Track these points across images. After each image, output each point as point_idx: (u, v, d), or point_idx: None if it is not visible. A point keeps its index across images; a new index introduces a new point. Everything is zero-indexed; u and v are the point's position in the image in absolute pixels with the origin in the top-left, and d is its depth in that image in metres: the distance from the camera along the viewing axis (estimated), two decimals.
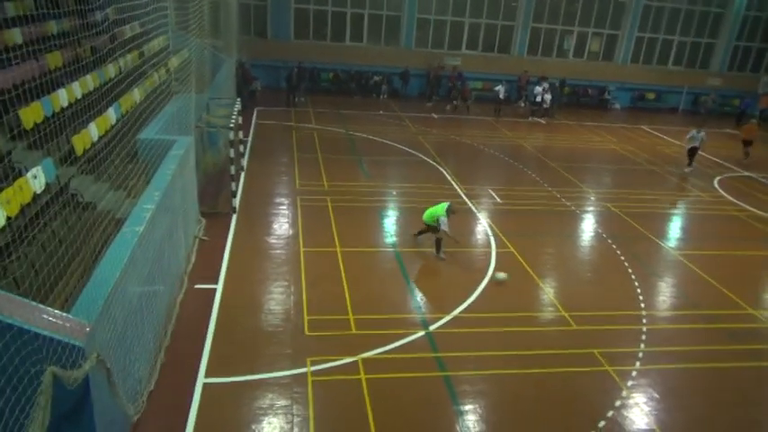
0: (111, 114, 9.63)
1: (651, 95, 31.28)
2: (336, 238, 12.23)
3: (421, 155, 18.90)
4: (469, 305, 10.14)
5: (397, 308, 9.89)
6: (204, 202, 12.70)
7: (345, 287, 10.32)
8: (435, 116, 25.03)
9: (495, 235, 13.16)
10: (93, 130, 8.76)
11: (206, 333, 8.60)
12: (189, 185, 10.98)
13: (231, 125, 12.97)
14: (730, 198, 17.43)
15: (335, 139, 20.14)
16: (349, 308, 9.65)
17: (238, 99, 16.16)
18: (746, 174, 20.30)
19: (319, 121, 22.34)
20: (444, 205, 11.69)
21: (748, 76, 31.85)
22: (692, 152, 19.42)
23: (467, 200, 14.82)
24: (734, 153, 22.84)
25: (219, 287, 9.93)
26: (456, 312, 9.86)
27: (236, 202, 13.30)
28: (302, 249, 11.62)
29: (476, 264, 11.84)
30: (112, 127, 9.54)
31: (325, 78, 28.24)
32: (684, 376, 8.83)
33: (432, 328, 9.35)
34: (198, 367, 7.82)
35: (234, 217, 12.84)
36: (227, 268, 10.62)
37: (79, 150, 8.20)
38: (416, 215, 13.90)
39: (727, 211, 16.44)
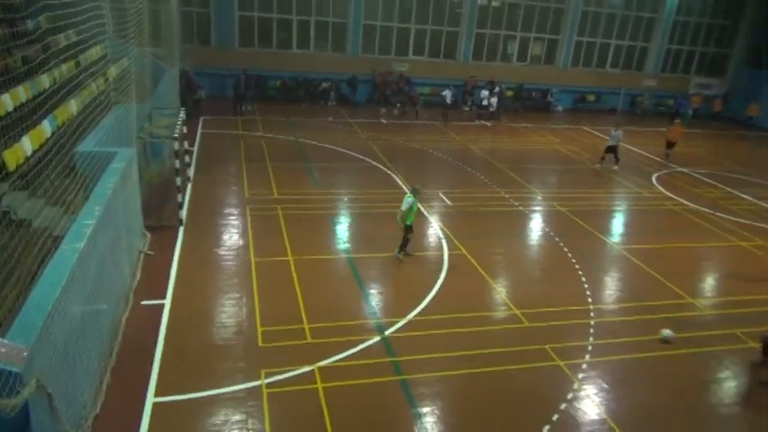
0: (46, 127, 9.20)
1: (591, 97, 32.44)
2: (288, 247, 12.09)
3: (371, 160, 18.95)
4: (424, 308, 10.21)
5: (353, 314, 9.85)
6: (149, 216, 12.31)
7: (299, 296, 10.21)
8: (384, 122, 25.18)
9: (446, 237, 13.31)
10: (27, 144, 8.33)
11: (154, 351, 8.31)
12: (132, 198, 10.62)
13: (175, 135, 12.64)
14: (667, 193, 18.26)
15: (284, 147, 19.95)
16: (303, 317, 9.55)
17: (182, 108, 15.78)
18: (681, 169, 21.32)
19: (267, 130, 22.07)
20: (407, 198, 11.76)
21: (680, 77, 33.51)
22: (611, 150, 20.10)
23: (418, 204, 14.93)
24: (659, 147, 23.93)
25: (167, 302, 9.63)
26: (411, 316, 9.91)
27: (183, 213, 12.96)
28: (253, 260, 11.43)
29: (429, 267, 11.94)
30: (48, 140, 9.11)
31: (273, 86, 27.94)
32: (631, 366, 9.17)
33: (387, 332, 9.35)
34: (147, 387, 7.55)
35: (181, 229, 12.50)
36: (175, 282, 10.32)
37: (11, 165, 7.79)
38: (368, 221, 13.97)
39: (665, 205, 17.21)
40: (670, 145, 21.98)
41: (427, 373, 8.43)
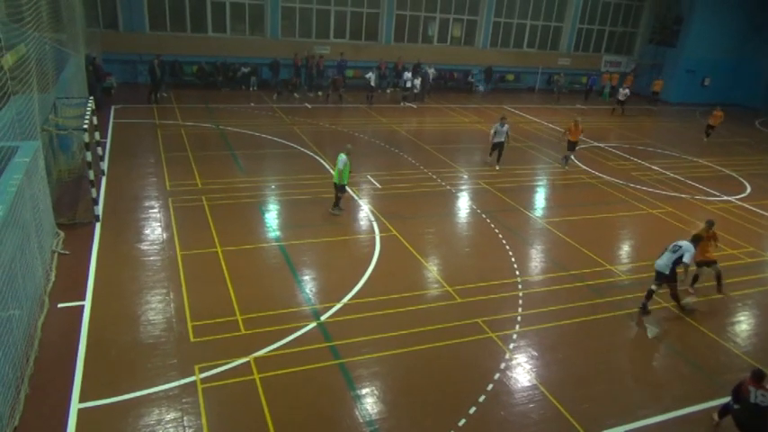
0: None
1: (511, 77, 33.43)
2: (216, 238, 11.71)
3: (297, 146, 18.65)
4: (358, 291, 10.23)
5: (287, 302, 9.71)
6: (61, 213, 11.53)
7: (230, 287, 9.93)
8: (309, 106, 24.80)
9: (377, 220, 13.36)
10: None
11: (76, 355, 7.84)
12: (40, 195, 9.88)
13: (84, 126, 11.84)
14: (584, 167, 19.20)
15: (206, 136, 19.22)
16: (236, 308, 9.31)
17: (91, 98, 14.79)
18: (596, 144, 22.45)
19: (186, 118, 21.16)
20: (341, 157, 13.05)
21: (592, 56, 35.14)
22: (497, 146, 17.89)
23: (348, 189, 14.88)
24: (583, 126, 25.11)
25: (87, 304, 9.09)
26: (346, 299, 9.90)
27: (99, 209, 12.22)
28: (179, 253, 10.98)
29: (361, 250, 11.96)
30: None
31: (189, 72, 26.78)
32: (558, 332, 9.62)
33: (323, 318, 9.30)
34: (70, 393, 7.12)
35: (97, 226, 11.79)
36: (95, 282, 9.75)
37: None
38: (298, 206, 13.77)
39: (583, 179, 18.09)
40: (572, 146, 19.21)
41: (365, 355, 8.47)
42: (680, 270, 10.27)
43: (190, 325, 8.77)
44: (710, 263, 11.37)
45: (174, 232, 11.84)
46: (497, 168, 17.98)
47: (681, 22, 33.31)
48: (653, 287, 10.37)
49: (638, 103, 32.44)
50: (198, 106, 23.07)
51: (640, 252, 13.27)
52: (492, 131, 17.93)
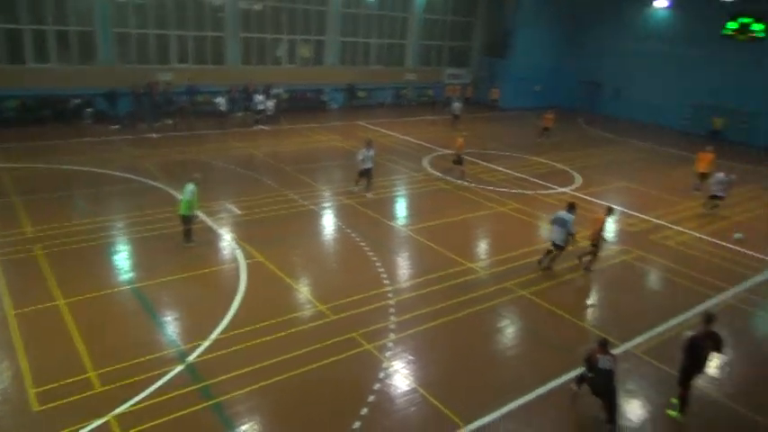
0: None
1: (362, 93, 34.34)
2: (57, 290, 10.48)
3: (146, 179, 17.41)
4: (228, 324, 9.75)
5: (148, 348, 8.96)
6: None
7: (79, 342, 8.93)
8: (155, 136, 23.33)
9: (240, 247, 12.89)
10: None
11: None
12: None
13: None
14: (438, 174, 20.23)
15: (36, 177, 17.20)
16: (88, 364, 8.39)
17: None
18: (446, 151, 23.77)
19: (8, 159, 18.77)
20: (188, 187, 12.46)
21: (436, 70, 37.34)
22: (365, 173, 17.03)
23: (205, 218, 14.20)
24: (433, 136, 26.59)
25: None
26: (214, 335, 9.39)
27: None
28: (11, 313, 9.66)
29: (226, 280, 11.44)
30: None
31: (10, 107, 23.87)
32: (431, 334, 9.95)
33: (190, 358, 8.72)
34: None
35: None
36: None
37: None
38: (151, 244, 12.86)
39: (438, 185, 19.04)
40: (458, 161, 19.56)
41: (240, 390, 8.07)
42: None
43: (31, 393, 7.72)
44: (595, 245, 12.81)
45: (3, 289, 10.40)
46: (369, 196, 16.96)
47: (508, 35, 36.68)
48: (551, 249, 12.60)
49: (479, 110, 35.02)
50: (22, 145, 20.60)
51: (495, 248, 14.24)
52: (360, 158, 16.87)
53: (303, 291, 11.24)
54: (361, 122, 29.05)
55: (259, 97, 26.66)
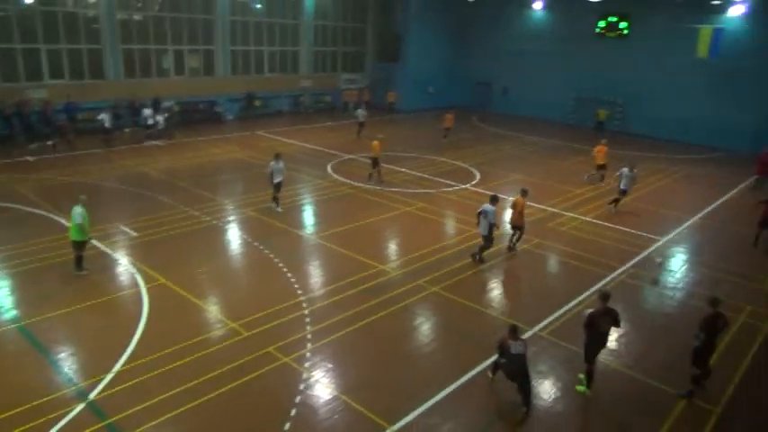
0: None
1: (258, 102, 33.60)
2: None
3: (22, 206, 15.85)
4: (131, 354, 9.12)
5: (42, 390, 8.15)
6: None
7: None
8: (32, 159, 21.36)
9: (140, 271, 12.11)
10: None
11: None
12: None
13: None
14: (343, 179, 20.23)
15: None
16: None
17: None
18: (349, 156, 23.86)
19: None
20: (76, 210, 11.67)
21: (331, 76, 37.35)
22: (277, 187, 16.36)
23: (98, 243, 13.18)
24: (334, 142, 26.61)
25: None
26: (117, 367, 8.75)
27: None
28: None
29: (126, 308, 10.71)
30: None
31: None
32: (348, 339, 9.90)
33: (92, 395, 8.06)
34: None
35: None
36: None
37: None
38: (35, 276, 11.80)
39: (343, 190, 19.04)
40: (375, 163, 19.75)
41: (152, 422, 7.57)
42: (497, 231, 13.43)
43: None
44: (520, 227, 13.99)
45: None
46: (280, 210, 16.35)
47: (399, 40, 37.52)
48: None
49: (377, 114, 35.49)
50: None
51: (405, 248, 14.46)
52: (269, 171, 16.17)
53: (212, 310, 10.77)
54: (260, 132, 28.44)
55: (147, 111, 25.28)
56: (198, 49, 30.70)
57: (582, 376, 8.85)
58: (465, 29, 39.25)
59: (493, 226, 13.05)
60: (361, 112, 28.25)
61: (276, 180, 16.21)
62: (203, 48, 30.82)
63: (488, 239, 13.16)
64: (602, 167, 20.91)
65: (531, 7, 35.94)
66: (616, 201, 17.72)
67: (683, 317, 11.38)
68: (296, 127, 30.59)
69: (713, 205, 19.25)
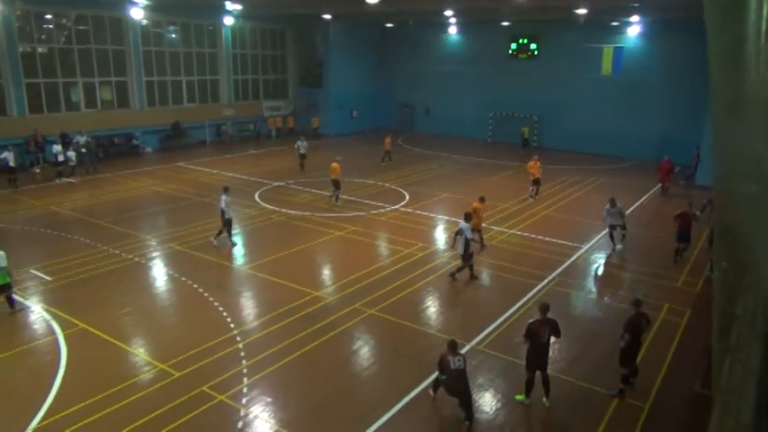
0: None
1: (180, 133, 32.56)
2: None
3: None
4: (49, 407, 8.42)
5: None
6: None
7: None
8: None
9: (56, 317, 11.27)
10: None
11: None
12: None
13: None
14: (271, 207, 19.87)
15: None
16: None
17: None
18: (277, 183, 23.53)
19: None
20: None
21: (254, 103, 36.87)
22: (228, 224, 15.84)
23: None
24: (261, 170, 26.18)
25: None
26: (34, 424, 8.03)
27: None
28: None
29: (42, 358, 9.91)
30: None
31: None
32: (286, 370, 9.61)
33: None
34: None
35: None
36: None
37: None
38: None
39: (273, 218, 18.69)
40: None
41: None
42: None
43: None
44: (479, 228, 15.42)
45: None
46: (214, 242, 15.82)
47: (321, 65, 37.73)
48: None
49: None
50: None
51: (339, 272, 14.33)
52: (222, 206, 15.61)
53: (138, 352, 10.16)
54: (182, 163, 27.53)
55: (57, 147, 23.86)
56: (110, 81, 29.47)
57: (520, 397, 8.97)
58: (386, 52, 40.14)
59: (470, 242, 13.41)
60: (301, 144, 26.52)
61: (228, 216, 15.59)
62: (116, 79, 29.63)
63: (466, 257, 13.48)
64: (536, 182, 21.78)
65: (447, 32, 37.27)
66: (612, 235, 16.09)
67: (609, 319, 11.90)
68: (220, 156, 29.88)
69: (627, 212, 20.44)
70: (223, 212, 15.62)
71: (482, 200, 15.89)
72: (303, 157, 26.42)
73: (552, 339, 8.89)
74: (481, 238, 15.87)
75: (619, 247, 16.21)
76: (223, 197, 15.64)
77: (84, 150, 25.06)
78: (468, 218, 13.75)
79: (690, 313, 12.17)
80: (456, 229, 13.75)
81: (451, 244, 13.90)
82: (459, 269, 13.63)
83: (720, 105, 3.27)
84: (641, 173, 27.23)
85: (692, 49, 25.99)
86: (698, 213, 16.11)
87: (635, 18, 29.13)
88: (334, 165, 20.17)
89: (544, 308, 8.84)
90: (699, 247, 16.14)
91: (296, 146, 27.13)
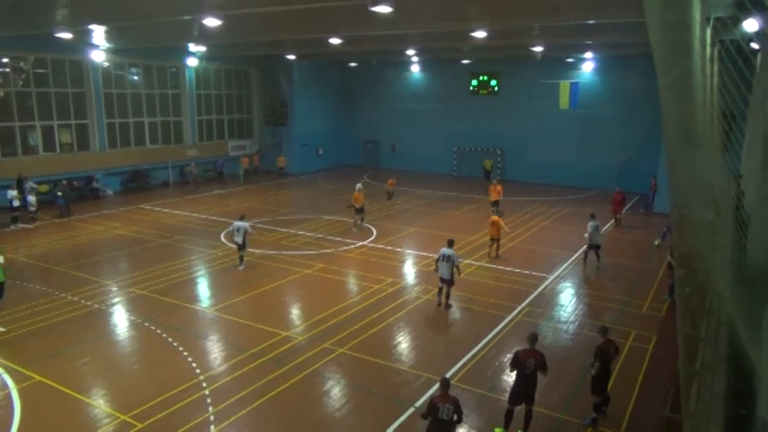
0: None
1: (141, 176, 32.06)
2: None
3: None
4: None
5: None
6: None
7: None
8: None
9: (8, 371, 10.69)
10: None
11: None
12: None
13: None
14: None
15: None
16: None
17: None
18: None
19: None
20: None
21: (219, 143, 36.64)
22: (242, 247, 16.92)
23: None
24: (227, 210, 25.86)
25: None
26: None
27: None
28: None
29: None
30: None
31: None
32: (255, 415, 9.29)
33: None
34: None
35: None
36: None
37: None
38: None
39: (236, 259, 18.34)
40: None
41: None
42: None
43: None
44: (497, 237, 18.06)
45: None
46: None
47: (286, 104, 37.97)
48: (441, 286, 13.87)
49: (268, 179, 35.23)
50: None
51: (308, 311, 14.10)
52: (231, 229, 17.23)
53: (99, 404, 9.69)
54: (144, 206, 26.97)
55: (12, 192, 23.09)
56: (70, 124, 28.94)
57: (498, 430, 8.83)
58: (350, 91, 40.76)
59: (457, 268, 13.69)
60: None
61: (237, 240, 16.84)
62: (75, 122, 29.12)
63: (451, 283, 13.75)
64: (495, 203, 22.97)
65: (410, 70, 38.13)
66: (597, 254, 17.33)
67: (578, 348, 11.98)
68: (184, 198, 29.43)
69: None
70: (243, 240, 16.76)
71: (501, 214, 19.05)
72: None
73: (540, 377, 8.66)
74: (497, 248, 18.14)
75: (597, 264, 17.48)
76: (244, 224, 16.89)
77: (60, 194, 24.33)
78: (451, 243, 13.91)
79: (656, 339, 12.36)
80: (438, 255, 13.84)
81: (435, 268, 13.90)
82: (448, 296, 13.96)
83: (672, 136, 3.40)
84: (604, 202, 27.94)
85: (645, 82, 27.23)
86: (658, 242, 16.61)
87: (588, 54, 30.42)
88: (357, 194, 21.84)
89: (532, 338, 8.81)
90: (661, 273, 16.54)
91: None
